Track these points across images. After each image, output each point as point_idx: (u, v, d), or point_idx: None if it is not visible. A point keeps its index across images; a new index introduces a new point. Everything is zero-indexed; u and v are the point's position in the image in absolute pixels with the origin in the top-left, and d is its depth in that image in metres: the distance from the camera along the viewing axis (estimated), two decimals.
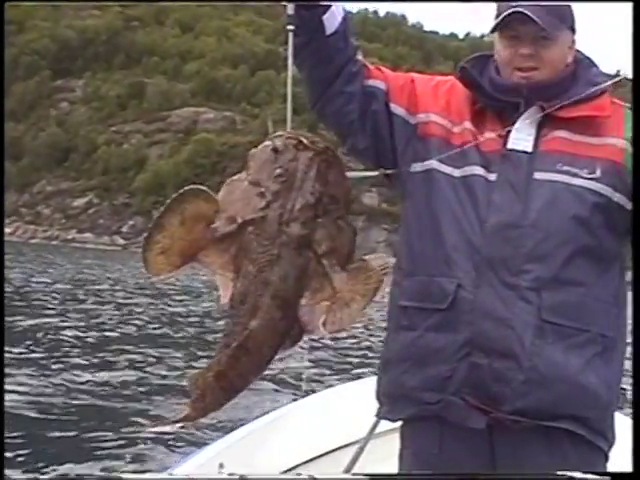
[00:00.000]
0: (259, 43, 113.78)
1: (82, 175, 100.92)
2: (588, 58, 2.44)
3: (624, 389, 2.37)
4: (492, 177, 2.29)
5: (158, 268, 1.79)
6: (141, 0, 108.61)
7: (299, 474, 1.73)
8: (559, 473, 1.82)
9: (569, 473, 1.79)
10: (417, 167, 2.39)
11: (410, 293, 2.36)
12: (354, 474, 2.44)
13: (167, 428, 1.94)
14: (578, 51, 2.43)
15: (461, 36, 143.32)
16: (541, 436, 2.23)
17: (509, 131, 2.31)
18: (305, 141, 1.82)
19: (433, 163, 2.36)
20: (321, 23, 2.29)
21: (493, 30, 2.35)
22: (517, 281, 2.21)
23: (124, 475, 1.81)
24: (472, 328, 2.22)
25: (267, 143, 1.84)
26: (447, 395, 2.25)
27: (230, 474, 1.69)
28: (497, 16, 2.32)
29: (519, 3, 2.28)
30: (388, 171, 2.45)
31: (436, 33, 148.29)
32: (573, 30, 2.38)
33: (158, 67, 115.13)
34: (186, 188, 1.79)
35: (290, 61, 2.15)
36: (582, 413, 2.23)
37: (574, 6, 2.39)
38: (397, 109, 2.43)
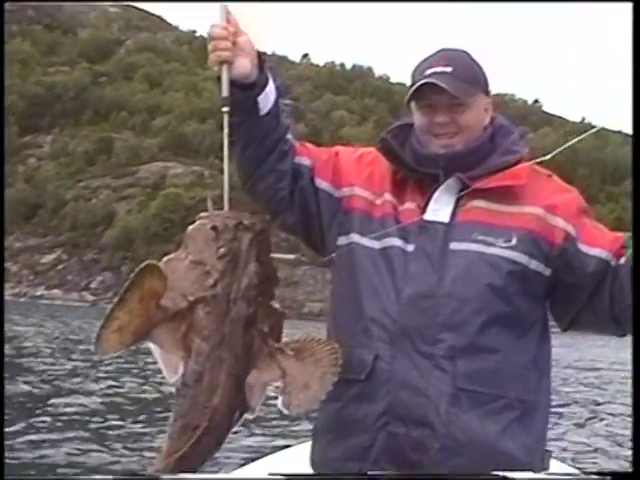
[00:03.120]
0: None
1: (50, 231, 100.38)
2: (507, 125, 2.49)
3: (549, 451, 2.40)
4: (410, 248, 2.33)
5: (109, 346, 1.77)
6: None
7: None
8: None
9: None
10: (341, 240, 2.44)
11: None
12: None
13: None
14: (498, 117, 2.49)
15: None
16: None
17: (427, 202, 2.35)
18: (246, 222, 1.87)
19: (354, 237, 2.41)
20: (256, 104, 2.31)
21: (408, 101, 2.40)
22: (432, 350, 2.24)
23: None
24: (389, 398, 2.25)
25: (204, 221, 1.88)
26: (367, 464, 2.26)
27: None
28: (411, 85, 2.36)
29: (433, 70, 2.33)
30: (303, 257, 2.48)
31: (403, 85, 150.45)
32: (487, 93, 2.44)
33: (126, 122, 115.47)
34: (145, 263, 1.80)
35: (226, 142, 2.16)
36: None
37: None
38: (322, 184, 2.47)
